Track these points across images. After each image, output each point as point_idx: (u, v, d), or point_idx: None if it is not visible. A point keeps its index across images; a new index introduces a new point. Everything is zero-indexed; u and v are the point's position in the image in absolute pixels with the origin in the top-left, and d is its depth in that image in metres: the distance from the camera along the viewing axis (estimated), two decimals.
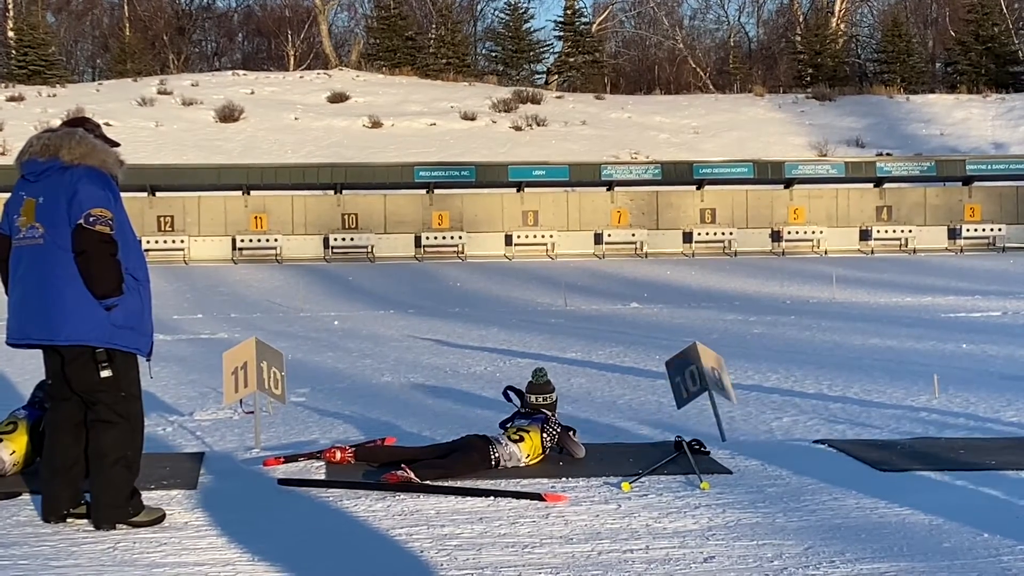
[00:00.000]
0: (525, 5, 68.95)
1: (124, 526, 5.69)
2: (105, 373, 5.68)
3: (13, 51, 61.50)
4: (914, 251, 36.10)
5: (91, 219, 5.57)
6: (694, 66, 70.83)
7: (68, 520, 5.77)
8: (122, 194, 5.83)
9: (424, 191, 36.39)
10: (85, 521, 5.75)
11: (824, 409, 9.69)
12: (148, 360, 5.96)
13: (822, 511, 5.99)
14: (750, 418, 9.25)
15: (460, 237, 35.07)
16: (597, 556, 5.23)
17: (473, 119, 52.81)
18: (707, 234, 36.14)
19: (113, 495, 5.70)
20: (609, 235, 35.70)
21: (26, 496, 6.26)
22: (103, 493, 5.68)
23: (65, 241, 5.59)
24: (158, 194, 35.21)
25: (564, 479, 6.74)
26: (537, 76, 68.60)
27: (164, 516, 5.85)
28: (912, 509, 5.95)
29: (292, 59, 71.54)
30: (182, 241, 34.35)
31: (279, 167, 37.65)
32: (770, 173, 37.72)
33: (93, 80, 67.93)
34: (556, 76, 67.21)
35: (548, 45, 70.38)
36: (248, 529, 5.65)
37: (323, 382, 11.94)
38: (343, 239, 34.80)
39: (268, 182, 36.08)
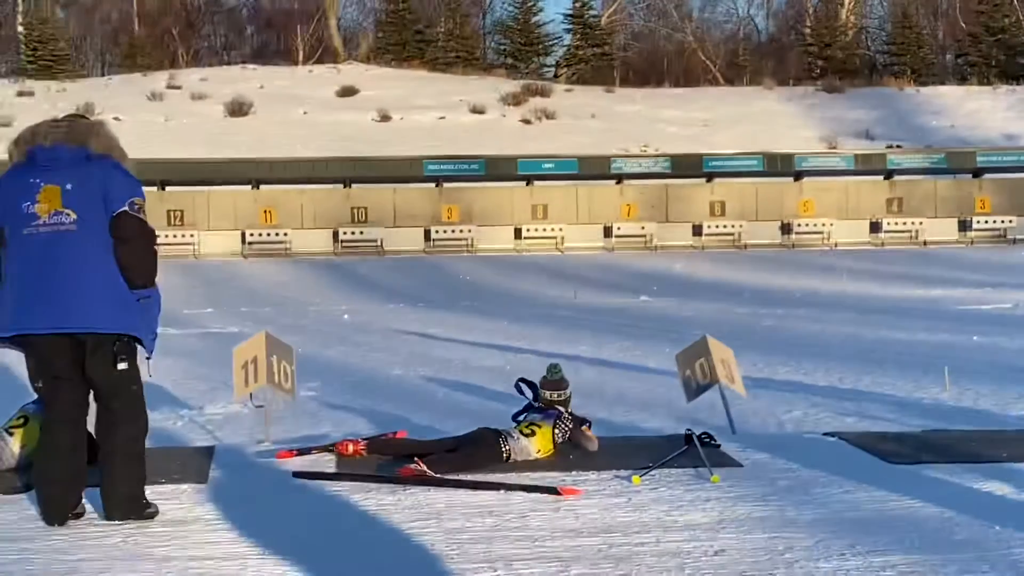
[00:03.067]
0: None
1: (134, 520, 5.69)
2: (122, 366, 5.64)
3: (23, 46, 61.60)
4: (924, 243, 36.03)
5: (135, 207, 5.57)
6: (704, 59, 70.73)
7: (68, 523, 5.73)
8: None
9: (433, 185, 36.41)
10: (94, 516, 5.74)
11: (835, 402, 9.67)
12: (148, 359, 5.94)
13: (833, 504, 5.98)
14: (760, 411, 9.24)
15: (469, 231, 35.07)
16: (608, 549, 5.23)
17: (482, 113, 52.82)
18: (717, 227, 36.10)
19: (135, 488, 5.69)
20: (618, 228, 35.67)
21: None
22: (125, 486, 5.65)
23: (100, 229, 5.54)
24: (168, 188, 35.26)
25: (575, 472, 6.73)
26: (546, 69, 68.63)
27: (158, 511, 5.82)
28: (923, 502, 5.93)
29: (301, 53, 71.54)
30: (192, 236, 34.38)
31: (288, 161, 37.69)
32: (780, 166, 37.70)
33: (102, 75, 68.01)
34: (565, 69, 67.16)
35: (557, 38, 70.42)
36: (258, 523, 5.66)
37: (334, 376, 11.95)
38: (352, 233, 34.83)
39: (277, 176, 36.12)
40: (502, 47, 70.70)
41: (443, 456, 6.77)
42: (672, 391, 10.12)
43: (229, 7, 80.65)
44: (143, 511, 5.70)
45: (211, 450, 7.49)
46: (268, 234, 34.69)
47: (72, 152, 5.62)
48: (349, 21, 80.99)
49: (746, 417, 8.83)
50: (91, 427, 5.93)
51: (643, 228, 35.85)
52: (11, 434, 6.67)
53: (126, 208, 5.56)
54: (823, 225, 36.30)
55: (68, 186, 5.57)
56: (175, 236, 33.98)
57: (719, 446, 7.34)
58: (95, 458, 5.85)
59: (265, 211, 35.27)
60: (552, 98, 55.70)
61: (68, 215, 5.55)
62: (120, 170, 5.66)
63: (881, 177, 38.11)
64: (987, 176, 38.07)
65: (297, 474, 6.67)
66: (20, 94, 53.37)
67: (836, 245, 35.75)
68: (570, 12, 68.73)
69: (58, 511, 5.67)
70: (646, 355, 13.47)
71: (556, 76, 66.38)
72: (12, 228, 5.62)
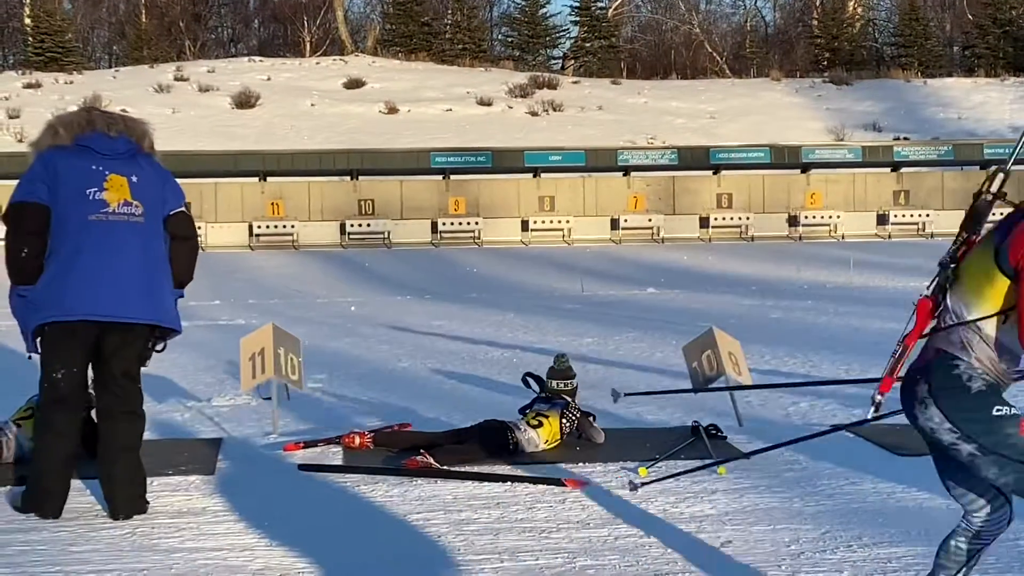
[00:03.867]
0: None
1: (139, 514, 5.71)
2: (148, 360, 5.78)
3: (30, 38, 61.65)
4: (932, 235, 35.91)
5: (189, 208, 5.82)
6: (710, 51, 70.57)
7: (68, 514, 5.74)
8: None
9: (440, 177, 36.37)
10: (99, 508, 5.76)
11: (841, 393, 9.66)
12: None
13: (839, 495, 5.99)
14: (767, 403, 9.23)
15: (476, 223, 35.02)
16: (614, 541, 5.24)
17: (489, 105, 52.75)
18: (724, 219, 36.00)
19: (143, 485, 5.73)
20: (626, 220, 35.60)
21: None
22: (136, 484, 5.69)
23: (159, 224, 5.70)
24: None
25: (581, 464, 6.74)
26: (553, 61, 68.54)
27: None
28: (930, 493, 5.93)
29: (308, 45, 71.48)
30: (199, 227, 34.30)
31: (295, 153, 37.68)
32: (787, 158, 37.60)
33: (110, 67, 68.00)
34: (572, 61, 67.07)
35: (564, 30, 70.25)
36: (266, 514, 5.68)
37: (340, 368, 11.95)
38: (360, 225, 34.81)
39: (285, 168, 36.12)
40: (509, 39, 70.61)
41: (449, 448, 6.78)
42: (679, 383, 10.12)
43: None
44: (146, 506, 5.73)
45: (218, 442, 7.52)
46: (275, 226, 34.66)
47: (130, 146, 5.73)
48: (356, 13, 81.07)
49: (752, 409, 8.83)
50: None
51: (650, 220, 35.76)
52: (19, 426, 6.70)
53: (183, 208, 5.75)
54: (830, 217, 36.18)
55: (134, 178, 5.66)
56: None
57: (725, 438, 7.35)
58: (92, 449, 5.85)
59: (272, 203, 35.23)
60: (559, 90, 55.58)
61: (137, 207, 5.63)
62: (169, 172, 5.85)
63: (888, 169, 38.00)
64: (995, 168, 38.00)
65: (303, 466, 6.68)
66: (27, 86, 53.36)
67: (843, 237, 35.66)
68: (577, 4, 68.57)
69: (55, 505, 5.66)
70: (653, 347, 13.46)
71: (563, 68, 66.31)
72: (71, 211, 5.54)
